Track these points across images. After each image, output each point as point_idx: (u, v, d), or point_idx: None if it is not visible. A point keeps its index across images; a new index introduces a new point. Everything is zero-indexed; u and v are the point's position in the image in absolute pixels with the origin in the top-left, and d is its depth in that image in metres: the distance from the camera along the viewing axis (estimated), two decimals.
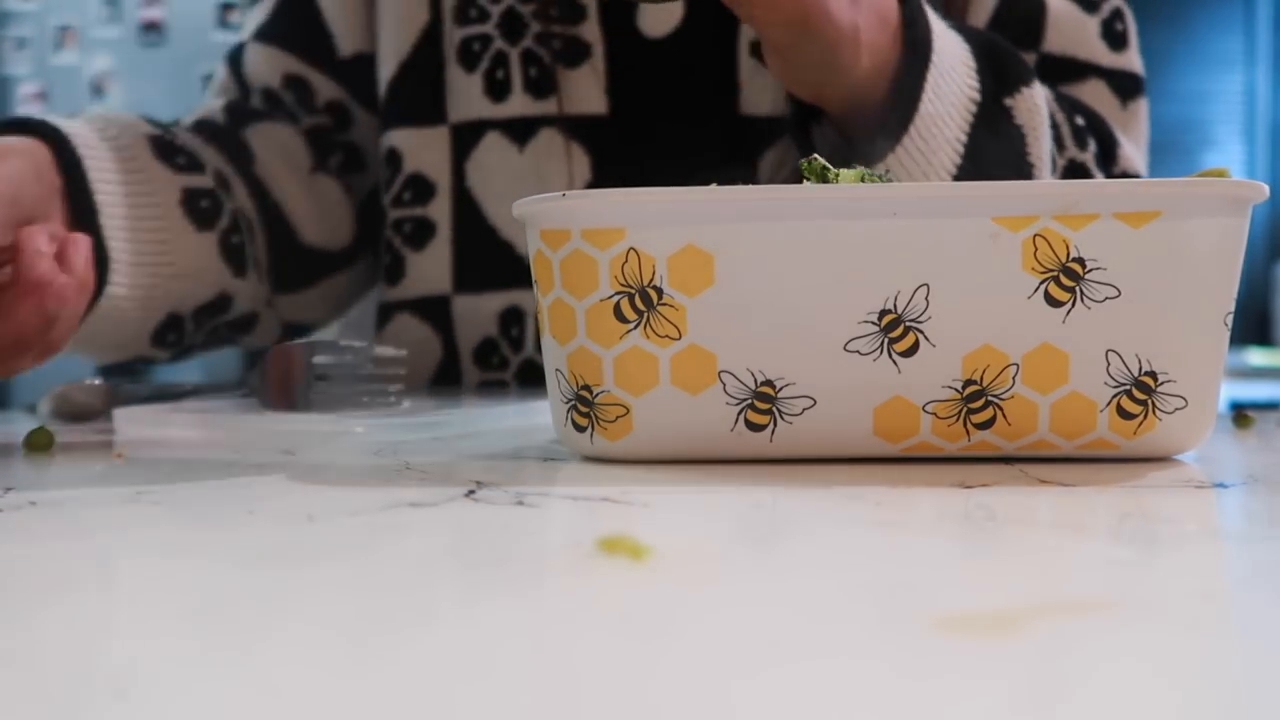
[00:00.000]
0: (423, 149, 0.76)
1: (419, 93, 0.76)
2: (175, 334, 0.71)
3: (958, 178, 0.59)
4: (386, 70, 0.78)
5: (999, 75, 0.62)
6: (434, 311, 0.77)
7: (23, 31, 2.63)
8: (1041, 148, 0.64)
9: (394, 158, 0.78)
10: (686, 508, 0.32)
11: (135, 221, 0.66)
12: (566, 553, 0.26)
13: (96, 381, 0.59)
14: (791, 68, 0.55)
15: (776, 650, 0.18)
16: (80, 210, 0.62)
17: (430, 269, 0.77)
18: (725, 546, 0.27)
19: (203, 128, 0.75)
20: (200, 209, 0.70)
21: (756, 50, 0.73)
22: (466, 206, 0.76)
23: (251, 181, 0.75)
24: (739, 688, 0.16)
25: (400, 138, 0.77)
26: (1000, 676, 0.16)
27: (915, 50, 0.57)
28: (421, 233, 0.77)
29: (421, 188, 0.77)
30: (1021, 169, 0.63)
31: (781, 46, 0.54)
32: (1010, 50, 0.63)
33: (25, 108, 2.61)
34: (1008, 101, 0.64)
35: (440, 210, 0.76)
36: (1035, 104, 0.63)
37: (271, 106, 0.81)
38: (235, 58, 0.82)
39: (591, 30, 0.73)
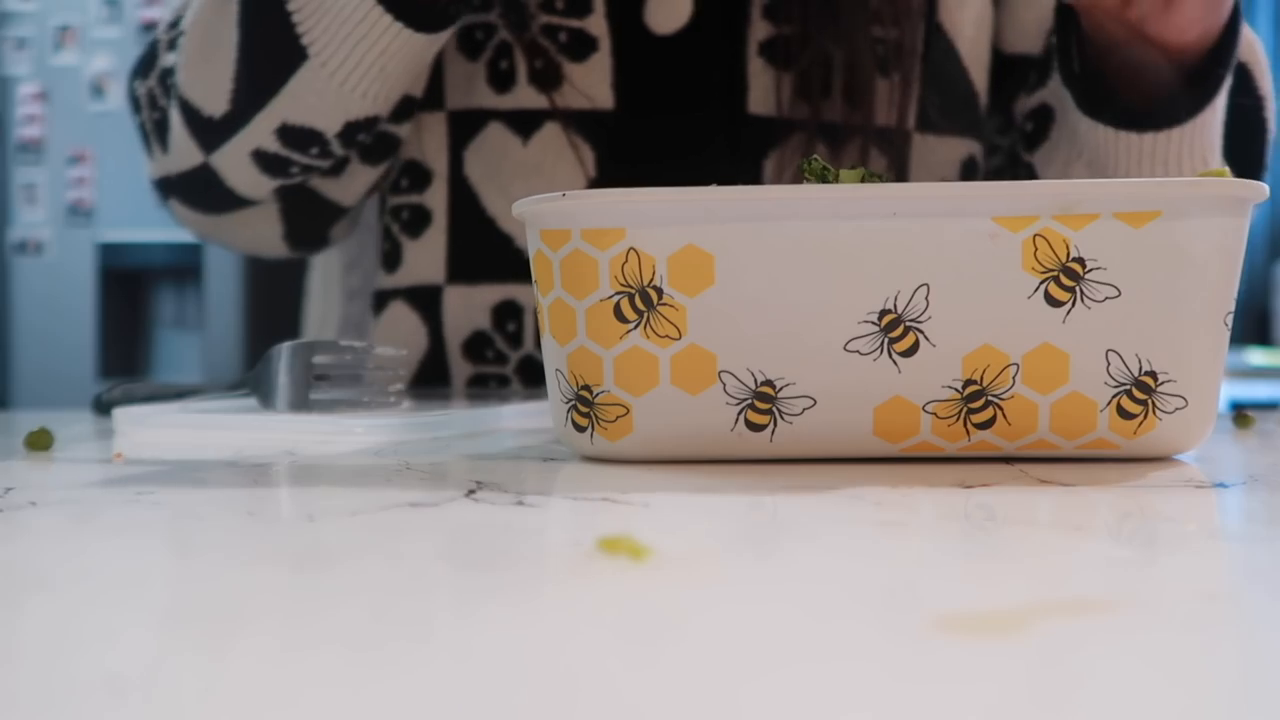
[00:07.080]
0: (419, 135, 0.76)
1: None
2: None
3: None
4: None
5: None
6: (424, 301, 0.77)
7: (23, 31, 2.63)
8: (1267, 81, 0.68)
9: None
10: (686, 508, 0.32)
11: None
12: (567, 553, 0.26)
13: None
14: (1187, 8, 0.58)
15: (777, 650, 0.18)
16: None
17: (425, 258, 0.76)
18: (725, 546, 0.27)
19: None
20: None
21: (764, 50, 0.73)
22: (463, 195, 0.75)
23: None
24: (740, 688, 0.16)
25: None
26: (1000, 676, 0.16)
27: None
28: (418, 221, 0.77)
29: (418, 175, 0.76)
30: (1254, 97, 0.67)
31: None
32: None
33: (25, 108, 2.61)
34: None
35: (437, 198, 0.76)
36: (1252, 40, 0.66)
37: None
38: None
39: (598, 24, 0.73)
